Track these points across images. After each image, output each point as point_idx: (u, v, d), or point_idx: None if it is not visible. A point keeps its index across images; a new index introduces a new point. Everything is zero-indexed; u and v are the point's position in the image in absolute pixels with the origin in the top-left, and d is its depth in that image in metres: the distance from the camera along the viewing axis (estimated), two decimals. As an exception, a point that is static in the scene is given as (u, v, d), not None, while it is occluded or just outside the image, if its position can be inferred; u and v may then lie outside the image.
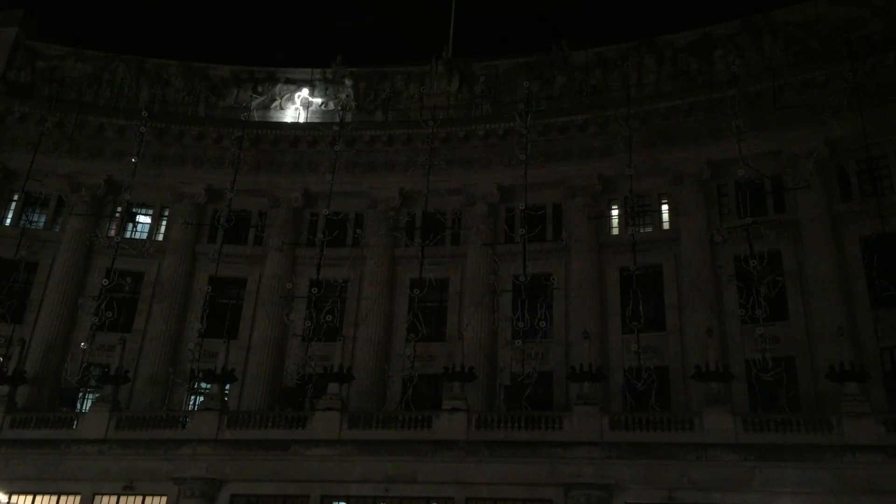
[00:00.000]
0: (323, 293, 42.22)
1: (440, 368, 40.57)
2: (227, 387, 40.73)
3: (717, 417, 34.59)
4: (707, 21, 48.23)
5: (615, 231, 46.01)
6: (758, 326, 35.46)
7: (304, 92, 51.72)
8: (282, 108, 51.65)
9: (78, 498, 37.64)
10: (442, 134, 46.62)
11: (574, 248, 44.62)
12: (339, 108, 48.39)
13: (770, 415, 35.43)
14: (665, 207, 45.78)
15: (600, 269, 44.40)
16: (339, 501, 36.51)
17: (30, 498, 38.03)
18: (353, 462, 36.43)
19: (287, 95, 51.93)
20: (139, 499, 37.47)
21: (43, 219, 49.13)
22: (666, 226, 45.38)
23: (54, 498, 37.97)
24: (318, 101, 51.49)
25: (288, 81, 52.51)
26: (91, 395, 43.84)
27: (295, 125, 50.29)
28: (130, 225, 49.79)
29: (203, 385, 42.96)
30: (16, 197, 48.87)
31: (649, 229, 45.42)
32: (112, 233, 48.15)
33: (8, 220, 48.65)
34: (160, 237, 49.24)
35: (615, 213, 46.49)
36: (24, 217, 48.66)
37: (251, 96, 51.14)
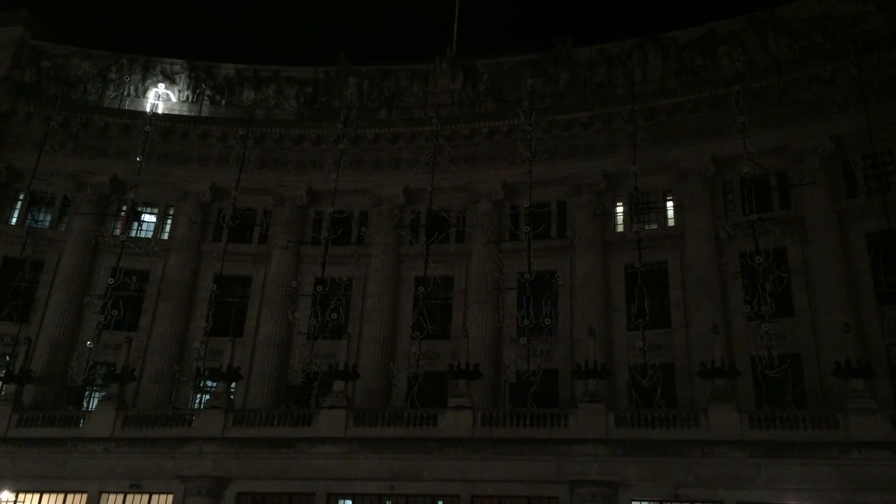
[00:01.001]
0: (328, 291, 42.24)
1: (445, 366, 40.57)
2: (233, 385, 40.76)
3: (723, 414, 34.53)
4: (711, 17, 48.25)
5: (620, 228, 45.98)
6: (763, 323, 35.35)
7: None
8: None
9: (84, 496, 37.73)
10: (446, 132, 46.56)
11: (579, 246, 44.57)
12: (344, 106, 48.35)
13: (776, 411, 35.28)
14: (670, 204, 45.71)
15: (605, 267, 44.38)
16: (344, 499, 36.54)
17: (36, 496, 38.14)
18: (359, 460, 36.47)
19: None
20: (145, 497, 37.55)
21: (48, 218, 49.25)
22: (671, 223, 45.32)
23: (61, 496, 38.06)
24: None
25: (291, 80, 52.57)
26: (97, 394, 43.95)
27: (299, 123, 50.30)
28: (136, 224, 49.90)
29: (209, 383, 43.08)
30: (21, 196, 48.94)
31: (654, 226, 45.37)
32: (117, 232, 48.24)
33: (13, 220, 48.77)
34: (165, 236, 49.32)
35: (620, 210, 46.46)
36: (29, 216, 48.81)
37: (254, 95, 51.14)
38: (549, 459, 35.01)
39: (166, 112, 50.01)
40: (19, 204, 49.22)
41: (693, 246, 43.03)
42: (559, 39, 50.58)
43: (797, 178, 41.65)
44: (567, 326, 43.40)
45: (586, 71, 48.59)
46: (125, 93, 51.71)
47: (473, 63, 51.41)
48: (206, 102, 51.77)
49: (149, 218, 50.20)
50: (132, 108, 50.21)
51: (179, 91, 52.08)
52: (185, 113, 51.23)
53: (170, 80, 52.18)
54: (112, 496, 37.70)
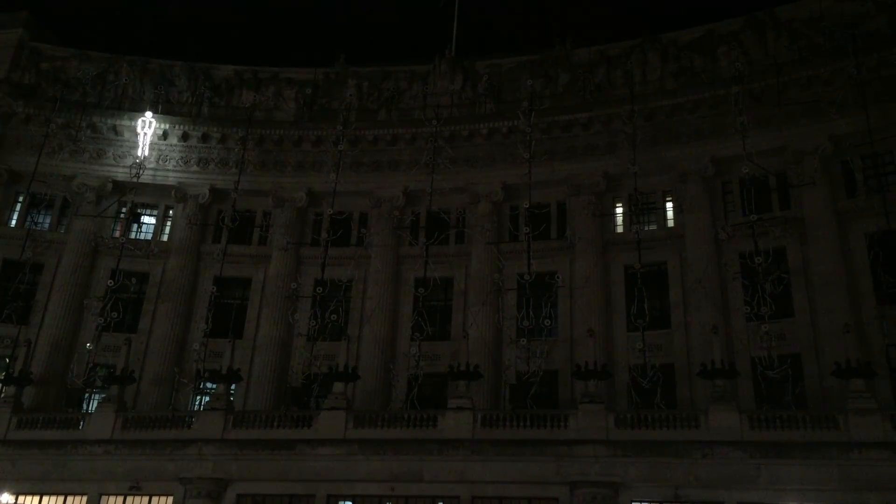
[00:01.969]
0: (328, 293, 42.20)
1: (445, 367, 40.61)
2: (233, 386, 40.79)
3: (723, 415, 34.53)
4: (711, 18, 48.20)
5: (620, 229, 45.98)
6: (763, 324, 35.35)
7: None
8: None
9: (84, 498, 37.74)
10: (446, 133, 46.56)
11: (579, 247, 44.54)
12: (343, 107, 48.31)
13: (776, 412, 35.29)
14: (670, 205, 45.71)
15: (605, 267, 44.39)
16: (345, 501, 36.55)
17: (36, 498, 38.13)
18: (359, 461, 36.46)
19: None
20: (145, 499, 37.56)
21: (48, 220, 49.23)
22: (671, 223, 45.32)
23: (61, 498, 38.06)
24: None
25: (290, 81, 52.55)
26: (97, 396, 43.92)
27: (298, 125, 50.27)
28: (135, 226, 49.91)
29: (208, 385, 43.08)
30: (21, 198, 48.93)
31: (654, 227, 45.37)
32: (117, 234, 48.28)
33: (13, 222, 48.75)
34: (165, 238, 49.30)
35: (619, 210, 46.47)
36: (29, 218, 48.80)
37: (253, 96, 51.11)
38: (549, 460, 35.00)
39: (165, 114, 49.94)
40: (19, 206, 49.20)
41: (693, 246, 43.03)
42: (559, 40, 50.61)
43: (797, 179, 41.69)
44: (567, 327, 43.40)
45: (586, 72, 48.54)
46: (124, 94, 51.61)
47: (473, 64, 51.37)
48: (206, 104, 51.70)
49: (148, 220, 50.21)
50: (131, 110, 50.13)
51: (179, 92, 52.01)
52: (184, 115, 51.13)
53: (169, 81, 52.09)
54: (112, 498, 37.71)
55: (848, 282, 39.43)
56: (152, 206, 50.07)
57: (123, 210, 48.73)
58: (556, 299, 43.66)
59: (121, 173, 48.22)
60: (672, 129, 45.46)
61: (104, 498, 37.71)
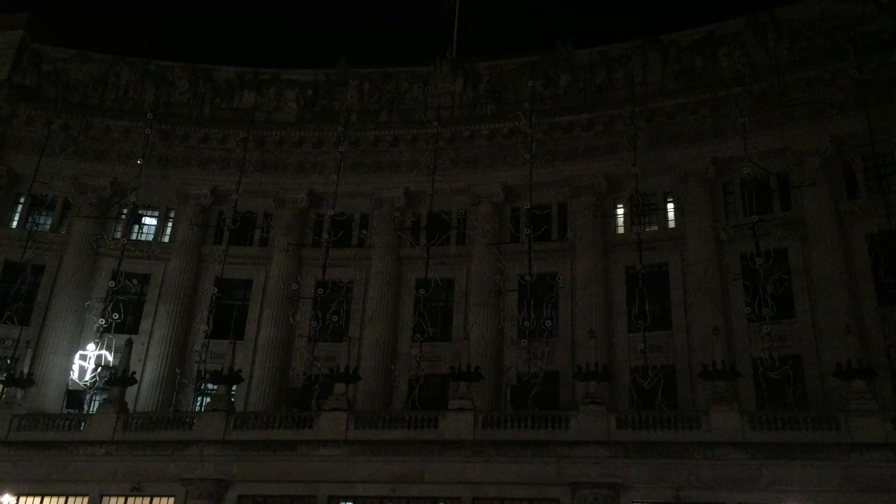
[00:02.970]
0: (329, 294, 42.27)
1: (446, 368, 40.57)
2: (234, 388, 40.73)
3: (724, 416, 34.47)
4: (712, 19, 48.25)
5: (621, 230, 45.98)
6: (764, 325, 35.36)
7: None
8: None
9: (86, 499, 37.64)
10: (447, 134, 46.64)
11: (579, 248, 44.57)
12: (344, 108, 48.30)
13: (777, 413, 35.22)
14: (671, 206, 45.71)
15: (606, 268, 44.38)
16: (346, 501, 36.46)
17: (38, 500, 38.02)
18: (360, 462, 36.41)
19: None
20: (147, 500, 37.45)
21: (49, 221, 49.23)
22: (672, 224, 45.32)
23: (62, 499, 37.95)
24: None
25: (291, 82, 52.56)
26: (98, 397, 43.91)
27: (300, 126, 50.29)
28: (136, 227, 49.94)
29: (210, 386, 43.06)
30: (22, 199, 48.97)
31: (655, 228, 45.38)
32: (118, 235, 48.32)
33: (14, 223, 48.78)
34: (166, 239, 49.34)
35: (621, 211, 46.47)
36: (30, 219, 48.89)
37: (254, 97, 51.14)
38: (550, 461, 34.93)
39: (167, 115, 49.99)
40: (20, 207, 49.23)
41: (694, 247, 43.02)
42: (559, 41, 50.59)
43: (798, 180, 41.70)
44: (568, 328, 43.40)
45: (587, 73, 48.60)
46: (125, 96, 51.66)
47: (474, 65, 51.38)
48: (207, 105, 51.72)
49: (149, 221, 50.24)
50: (132, 111, 50.16)
51: (180, 94, 52.04)
52: (185, 116, 51.15)
53: (169, 83, 52.13)
54: (113, 499, 37.60)
55: (849, 283, 39.43)
56: (153, 208, 50.10)
57: (125, 211, 48.75)
58: (556, 300, 43.72)
59: (122, 174, 48.27)
60: (673, 130, 45.47)
61: (105, 499, 37.58)
